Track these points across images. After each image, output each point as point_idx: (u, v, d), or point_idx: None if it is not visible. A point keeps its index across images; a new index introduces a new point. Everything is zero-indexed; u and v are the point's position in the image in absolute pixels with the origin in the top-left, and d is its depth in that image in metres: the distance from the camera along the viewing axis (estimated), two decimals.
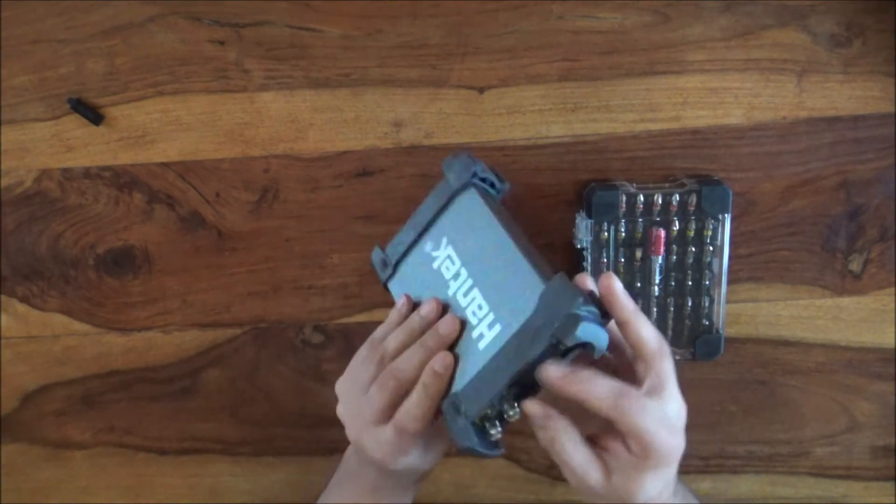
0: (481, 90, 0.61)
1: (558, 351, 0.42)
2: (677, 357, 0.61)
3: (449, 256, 0.51)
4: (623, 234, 0.60)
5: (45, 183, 0.64)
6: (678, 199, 0.59)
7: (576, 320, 0.41)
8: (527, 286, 0.45)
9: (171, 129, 0.63)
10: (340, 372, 0.51)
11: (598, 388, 0.41)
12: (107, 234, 0.66)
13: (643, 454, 0.42)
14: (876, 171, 0.62)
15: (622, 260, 0.61)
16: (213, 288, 0.67)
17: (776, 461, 0.69)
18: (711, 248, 0.60)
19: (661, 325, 0.62)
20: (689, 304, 0.62)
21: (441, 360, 0.46)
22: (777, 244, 0.64)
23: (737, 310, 0.65)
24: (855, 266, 0.64)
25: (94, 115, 0.62)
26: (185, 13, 0.60)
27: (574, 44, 0.60)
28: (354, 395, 0.49)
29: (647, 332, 0.43)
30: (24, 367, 0.69)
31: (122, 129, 0.63)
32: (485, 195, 0.53)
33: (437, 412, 0.47)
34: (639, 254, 0.61)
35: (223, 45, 0.61)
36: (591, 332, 0.41)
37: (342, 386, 0.51)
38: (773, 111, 0.61)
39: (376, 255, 0.56)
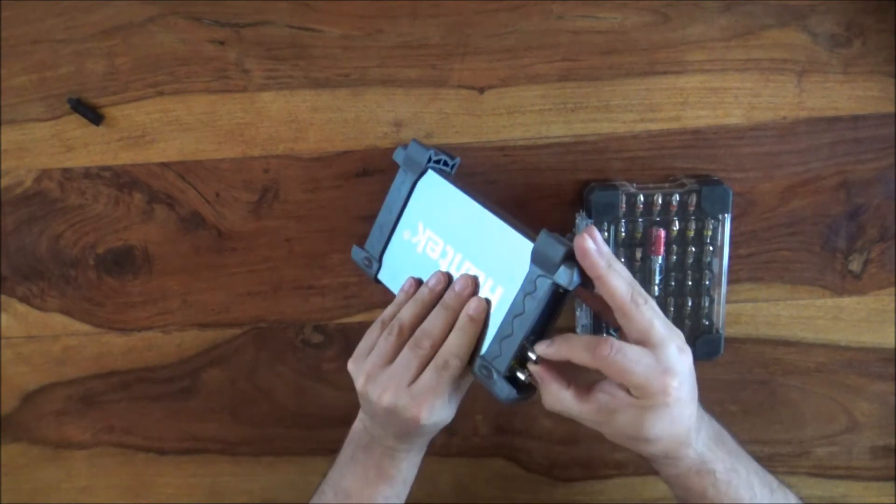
0: (481, 90, 0.61)
1: (561, 295, 0.47)
2: None
3: (430, 238, 0.54)
4: (623, 234, 0.60)
5: (45, 183, 0.64)
6: (678, 199, 0.59)
7: (570, 266, 0.46)
8: (514, 247, 0.49)
9: (170, 129, 0.63)
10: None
11: (575, 346, 0.46)
12: (107, 234, 0.66)
13: (639, 395, 0.45)
14: (876, 171, 0.62)
15: (622, 260, 0.60)
16: (213, 288, 0.67)
17: (776, 461, 0.69)
18: (711, 248, 0.60)
19: None
20: (689, 304, 0.62)
21: (475, 304, 0.50)
22: (777, 244, 0.64)
23: (737, 310, 0.65)
24: (855, 266, 0.64)
25: (94, 115, 0.62)
26: (185, 13, 0.60)
27: (574, 44, 0.60)
28: (378, 366, 0.51)
29: (616, 287, 0.45)
30: (24, 367, 0.69)
31: (122, 129, 0.63)
32: (444, 174, 0.55)
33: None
34: (639, 254, 0.61)
35: (223, 45, 0.61)
36: (583, 273, 0.46)
37: (360, 364, 0.53)
38: (773, 111, 0.61)
39: (357, 254, 0.59)
